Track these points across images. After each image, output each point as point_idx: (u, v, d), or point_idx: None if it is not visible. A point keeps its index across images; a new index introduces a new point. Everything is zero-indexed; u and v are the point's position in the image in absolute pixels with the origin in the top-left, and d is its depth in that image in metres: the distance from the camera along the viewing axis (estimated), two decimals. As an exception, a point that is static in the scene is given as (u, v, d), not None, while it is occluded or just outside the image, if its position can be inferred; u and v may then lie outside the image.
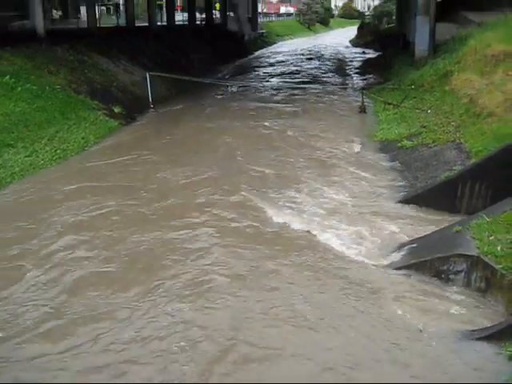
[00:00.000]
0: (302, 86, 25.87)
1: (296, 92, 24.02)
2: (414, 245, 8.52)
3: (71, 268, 8.17)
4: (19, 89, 16.13)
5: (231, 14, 52.83)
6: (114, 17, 41.22)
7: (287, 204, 10.59)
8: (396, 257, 8.32)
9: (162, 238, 9.19)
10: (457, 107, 13.88)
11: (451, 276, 7.48)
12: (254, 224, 9.75)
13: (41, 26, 21.76)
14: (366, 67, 33.31)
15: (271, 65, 37.75)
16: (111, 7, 51.15)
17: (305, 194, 11.12)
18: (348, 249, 8.68)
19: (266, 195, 11.16)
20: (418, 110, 15.66)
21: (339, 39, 63.84)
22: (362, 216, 9.94)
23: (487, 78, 13.86)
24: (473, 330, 6.48)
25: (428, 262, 7.75)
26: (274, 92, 24.79)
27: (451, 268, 7.47)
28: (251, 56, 44.92)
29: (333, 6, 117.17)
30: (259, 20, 61.71)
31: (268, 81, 29.34)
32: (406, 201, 10.45)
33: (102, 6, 48.33)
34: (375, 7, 75.35)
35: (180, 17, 46.20)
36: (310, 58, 41.44)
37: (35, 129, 14.74)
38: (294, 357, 6.19)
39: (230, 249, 8.74)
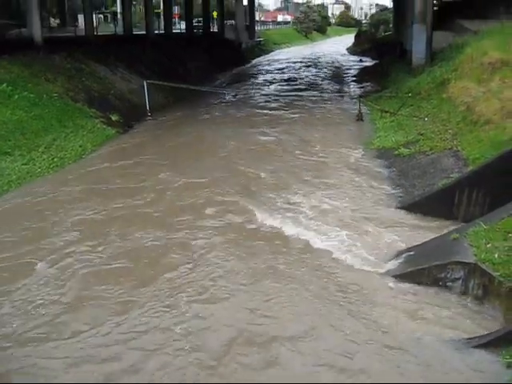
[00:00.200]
0: (299, 93, 25.92)
1: (293, 100, 24.05)
2: (412, 252, 8.51)
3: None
4: (16, 97, 16.14)
5: (229, 22, 53.10)
6: (111, 25, 41.37)
7: (284, 209, 10.59)
8: (393, 264, 8.30)
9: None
10: (454, 115, 13.90)
11: (449, 283, 7.46)
12: (253, 225, 9.97)
13: (38, 34, 21.78)
14: (363, 75, 33.40)
15: (268, 72, 37.84)
16: (109, 15, 51.38)
17: (301, 201, 11.11)
18: (345, 256, 8.65)
19: (262, 199, 11.28)
20: (415, 118, 15.68)
21: (336, 47, 64.08)
22: (359, 224, 9.92)
23: (484, 85, 13.88)
24: (470, 338, 6.46)
25: (425, 269, 7.73)
26: (272, 100, 24.80)
27: (449, 275, 7.45)
28: (248, 64, 45.01)
29: (330, 14, 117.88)
30: (256, 28, 61.98)
31: (265, 89, 29.41)
32: (403, 208, 10.45)
33: (99, 14, 48.62)
34: (372, 15, 75.85)
35: (177, 25, 46.41)
36: (308, 66, 41.58)
37: (32, 137, 14.73)
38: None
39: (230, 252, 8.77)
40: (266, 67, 42.32)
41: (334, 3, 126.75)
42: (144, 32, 34.20)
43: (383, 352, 6.34)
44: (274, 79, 33.42)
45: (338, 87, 29.73)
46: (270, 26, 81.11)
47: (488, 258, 7.10)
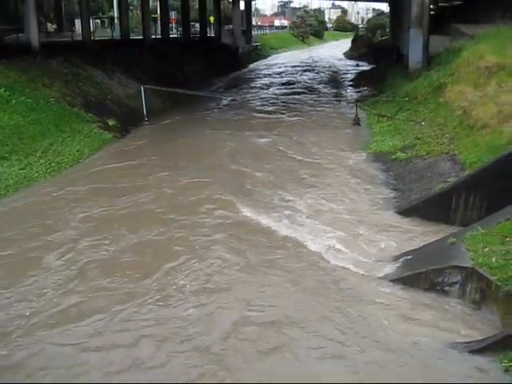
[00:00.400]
0: (296, 98, 25.95)
1: (290, 104, 24.11)
2: (409, 257, 8.51)
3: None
4: (14, 101, 16.13)
5: (226, 27, 53.18)
6: (108, 30, 41.40)
7: (283, 215, 10.58)
8: (391, 269, 8.29)
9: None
10: (451, 119, 13.92)
11: (446, 288, 7.46)
12: (251, 227, 10.07)
13: (35, 39, 21.78)
14: (359, 79, 33.46)
15: (266, 77, 37.91)
16: (106, 20, 51.42)
17: (299, 205, 11.11)
18: (342, 260, 8.64)
19: (259, 201, 11.37)
20: (411, 122, 15.70)
21: (333, 52, 64.22)
22: (356, 228, 9.91)
23: (481, 89, 13.91)
24: (468, 342, 6.45)
25: (423, 273, 7.73)
26: (268, 104, 24.84)
27: (446, 280, 7.46)
28: (245, 69, 45.09)
29: (327, 19, 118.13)
30: (253, 33, 62.05)
31: (263, 93, 29.42)
32: (400, 213, 10.45)
33: (96, 19, 48.61)
34: (369, 20, 76.08)
35: (174, 30, 46.47)
36: (304, 71, 41.63)
37: (29, 141, 14.72)
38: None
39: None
40: (263, 72, 42.37)
41: (331, 8, 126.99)
42: (141, 37, 34.23)
43: (379, 355, 6.34)
44: (272, 83, 33.52)
45: (334, 91, 29.78)
46: (267, 31, 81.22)
47: (485, 263, 7.11)
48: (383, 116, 17.96)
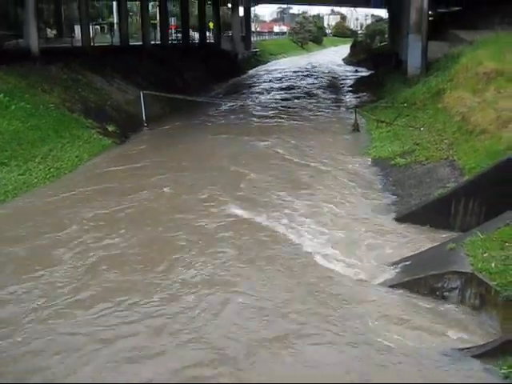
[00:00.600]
0: (295, 103, 26.00)
1: (289, 110, 24.13)
2: (408, 262, 8.50)
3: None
4: (13, 107, 16.13)
5: (225, 33, 53.31)
6: (108, 35, 41.51)
7: (282, 220, 10.59)
8: (390, 274, 8.28)
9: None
10: (449, 125, 13.93)
11: (445, 293, 7.45)
12: (250, 227, 10.21)
13: (35, 44, 21.81)
14: (358, 85, 33.53)
15: (265, 82, 37.98)
16: (105, 26, 51.52)
17: (297, 211, 11.11)
18: (341, 266, 8.62)
19: (258, 206, 11.43)
20: (410, 128, 15.72)
21: (332, 57, 64.36)
22: (356, 234, 9.91)
23: (479, 95, 13.93)
24: (467, 348, 6.44)
25: (422, 279, 7.73)
26: (267, 110, 24.88)
27: (445, 285, 7.45)
28: (245, 75, 45.16)
29: (326, 25, 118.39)
30: (252, 39, 62.19)
31: (262, 98, 29.49)
32: (399, 218, 10.44)
33: (96, 25, 48.73)
34: (368, 26, 76.21)
35: (174, 36, 46.56)
36: (304, 76, 41.72)
37: (29, 147, 14.73)
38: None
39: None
40: (263, 77, 42.46)
41: (330, 14, 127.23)
42: (141, 43, 34.31)
43: (377, 360, 6.33)
44: (271, 88, 33.60)
45: (334, 97, 29.85)
46: (266, 37, 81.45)
47: (485, 268, 7.10)
48: (382, 122, 17.98)
